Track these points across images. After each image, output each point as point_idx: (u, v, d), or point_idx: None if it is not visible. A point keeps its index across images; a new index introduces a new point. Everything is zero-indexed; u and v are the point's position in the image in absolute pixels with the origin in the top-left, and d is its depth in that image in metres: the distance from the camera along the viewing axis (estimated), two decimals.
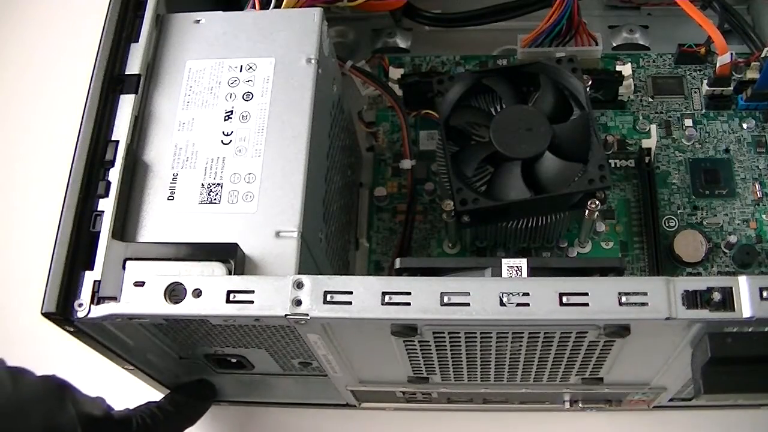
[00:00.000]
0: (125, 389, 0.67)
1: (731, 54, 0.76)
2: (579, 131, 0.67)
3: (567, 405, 0.71)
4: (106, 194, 0.55)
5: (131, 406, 0.64)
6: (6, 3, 1.02)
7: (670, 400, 0.68)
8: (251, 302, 0.50)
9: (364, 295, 0.49)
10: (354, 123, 0.77)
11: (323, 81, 0.62)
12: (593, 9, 0.87)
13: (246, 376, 0.67)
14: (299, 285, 0.50)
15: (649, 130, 0.79)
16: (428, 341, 0.54)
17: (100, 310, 0.52)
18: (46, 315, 0.52)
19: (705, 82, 0.81)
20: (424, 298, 0.49)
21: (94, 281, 0.53)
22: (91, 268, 0.53)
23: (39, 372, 0.57)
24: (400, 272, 0.57)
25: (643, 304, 0.48)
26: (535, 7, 0.80)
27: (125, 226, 0.56)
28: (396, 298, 0.49)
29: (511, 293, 0.49)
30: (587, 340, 0.53)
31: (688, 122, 0.80)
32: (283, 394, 0.72)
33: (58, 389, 0.57)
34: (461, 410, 0.74)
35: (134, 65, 0.60)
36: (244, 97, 0.60)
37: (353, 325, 0.51)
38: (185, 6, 0.65)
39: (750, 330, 0.49)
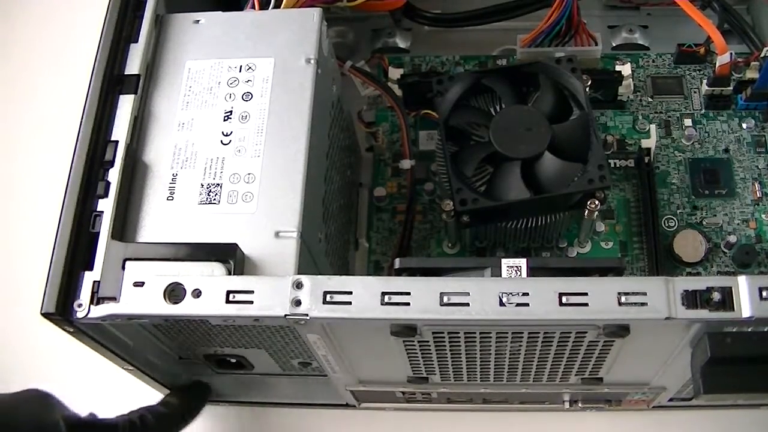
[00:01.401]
0: (125, 390, 0.67)
1: (731, 54, 0.76)
2: (579, 131, 0.67)
3: (567, 405, 0.71)
4: (105, 194, 0.55)
5: (132, 407, 0.63)
6: (5, 3, 1.02)
7: (670, 400, 0.68)
8: (251, 302, 0.50)
9: (364, 295, 0.49)
10: (353, 123, 0.77)
11: (322, 81, 0.62)
12: (593, 9, 0.87)
13: (246, 376, 0.67)
14: (299, 285, 0.50)
15: (649, 130, 0.79)
16: (428, 341, 0.54)
17: (99, 311, 0.52)
18: (46, 315, 0.52)
19: (704, 82, 0.81)
20: (423, 298, 0.49)
21: (94, 281, 0.53)
22: (91, 269, 0.53)
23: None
24: (399, 272, 0.57)
25: (642, 304, 0.48)
26: (534, 7, 0.80)
27: (125, 226, 0.56)
28: (395, 298, 0.49)
29: (511, 293, 0.49)
30: (587, 340, 0.53)
31: (688, 122, 0.80)
32: (283, 394, 0.72)
33: (43, 397, 0.57)
34: (461, 410, 0.74)
35: (134, 65, 0.60)
36: (244, 97, 0.60)
37: (353, 325, 0.51)
38: (185, 6, 0.65)
39: (749, 330, 0.49)
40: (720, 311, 0.48)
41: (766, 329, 0.49)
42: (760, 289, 0.48)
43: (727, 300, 0.48)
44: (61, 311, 0.52)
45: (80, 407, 0.58)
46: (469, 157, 0.67)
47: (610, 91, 0.80)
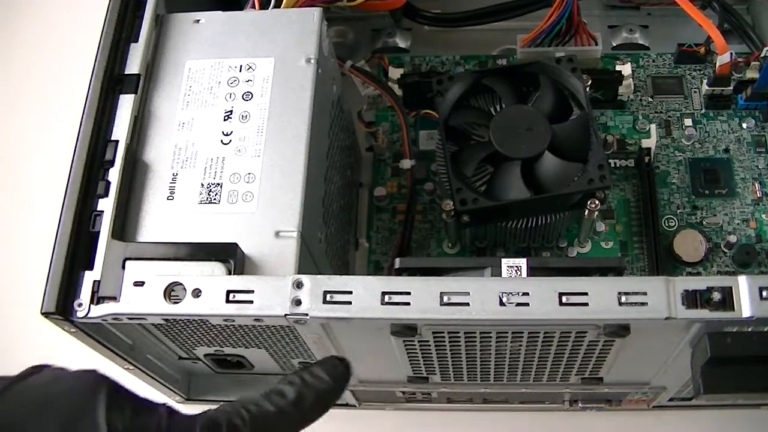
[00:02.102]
0: None
1: (731, 54, 0.76)
2: (579, 131, 0.67)
3: (567, 405, 0.71)
4: (105, 194, 0.55)
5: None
6: (6, 3, 1.02)
7: (670, 399, 0.68)
8: (251, 302, 0.50)
9: (364, 294, 0.49)
10: (354, 123, 0.77)
11: (323, 81, 0.62)
12: (593, 9, 0.87)
13: (246, 376, 0.67)
14: (299, 285, 0.50)
15: (649, 129, 0.79)
16: (428, 341, 0.54)
17: (99, 310, 0.52)
18: (46, 315, 0.52)
19: (705, 81, 0.81)
20: (423, 298, 0.49)
21: (94, 281, 0.53)
22: (91, 268, 0.53)
23: None
24: (399, 272, 0.57)
25: (642, 303, 0.48)
26: (534, 6, 0.80)
27: (125, 225, 0.56)
28: (396, 298, 0.49)
29: (511, 293, 0.49)
30: (587, 340, 0.53)
31: (688, 122, 0.80)
32: None
33: (89, 388, 0.43)
34: (461, 410, 0.74)
35: (134, 65, 0.60)
36: (244, 97, 0.60)
37: (353, 325, 0.51)
38: (185, 6, 0.65)
39: (750, 330, 0.49)
40: (720, 311, 0.48)
41: (766, 329, 0.49)
42: (761, 289, 0.48)
43: (727, 300, 0.48)
44: (61, 311, 0.52)
45: None
46: (469, 157, 0.67)
47: (610, 91, 0.80)
